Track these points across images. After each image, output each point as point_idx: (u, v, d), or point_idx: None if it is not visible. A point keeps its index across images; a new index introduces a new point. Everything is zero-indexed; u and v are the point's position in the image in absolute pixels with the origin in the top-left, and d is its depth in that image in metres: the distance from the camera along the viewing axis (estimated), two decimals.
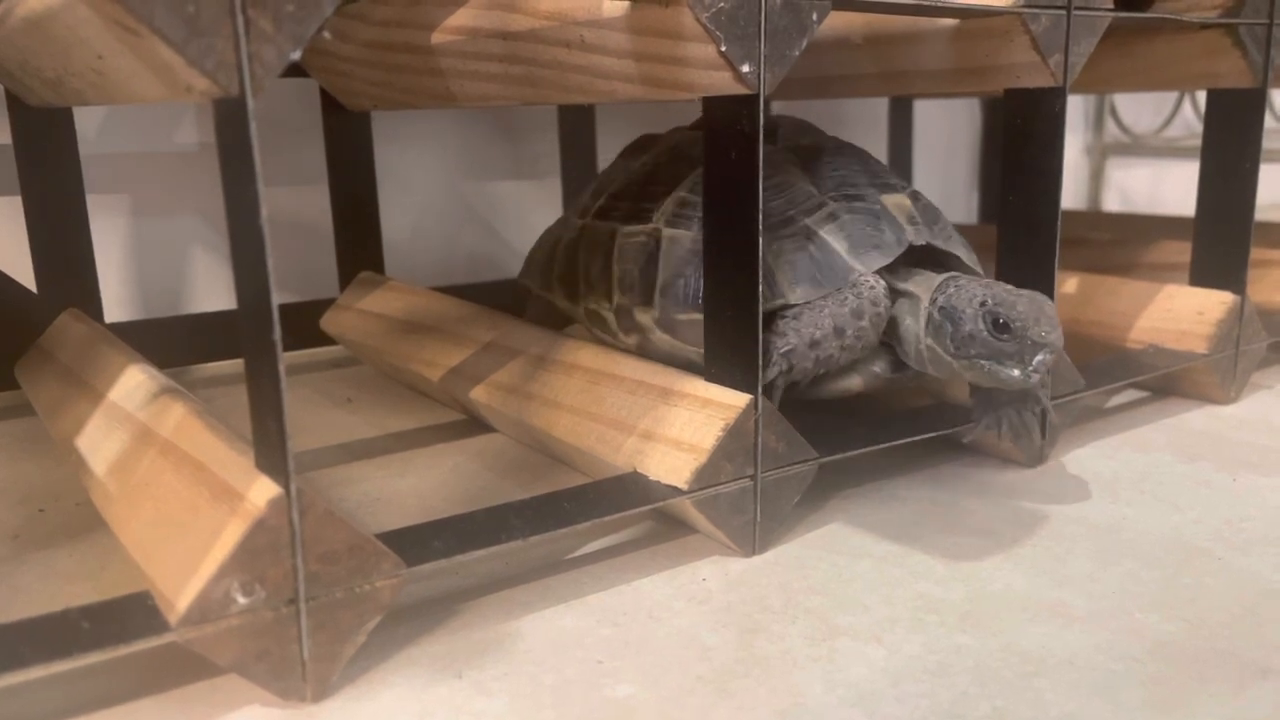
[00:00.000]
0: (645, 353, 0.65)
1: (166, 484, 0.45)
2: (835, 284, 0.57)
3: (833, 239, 0.58)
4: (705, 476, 0.50)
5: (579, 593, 0.49)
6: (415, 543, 0.44)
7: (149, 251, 0.94)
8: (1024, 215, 0.63)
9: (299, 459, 0.40)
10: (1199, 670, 0.42)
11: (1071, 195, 1.63)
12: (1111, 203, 1.68)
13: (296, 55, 0.36)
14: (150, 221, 0.94)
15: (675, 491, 0.50)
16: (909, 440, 0.59)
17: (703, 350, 0.55)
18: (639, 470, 0.52)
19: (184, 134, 0.94)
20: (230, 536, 0.38)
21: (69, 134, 0.75)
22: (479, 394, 0.67)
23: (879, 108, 1.34)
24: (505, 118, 1.11)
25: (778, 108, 1.17)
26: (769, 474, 0.52)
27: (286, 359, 0.40)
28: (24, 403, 0.74)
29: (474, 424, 0.73)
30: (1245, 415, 0.73)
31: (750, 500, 0.52)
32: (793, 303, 0.57)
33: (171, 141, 0.94)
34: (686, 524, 0.55)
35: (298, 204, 1.00)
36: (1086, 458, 0.65)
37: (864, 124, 1.34)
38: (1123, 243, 1.06)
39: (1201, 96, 1.21)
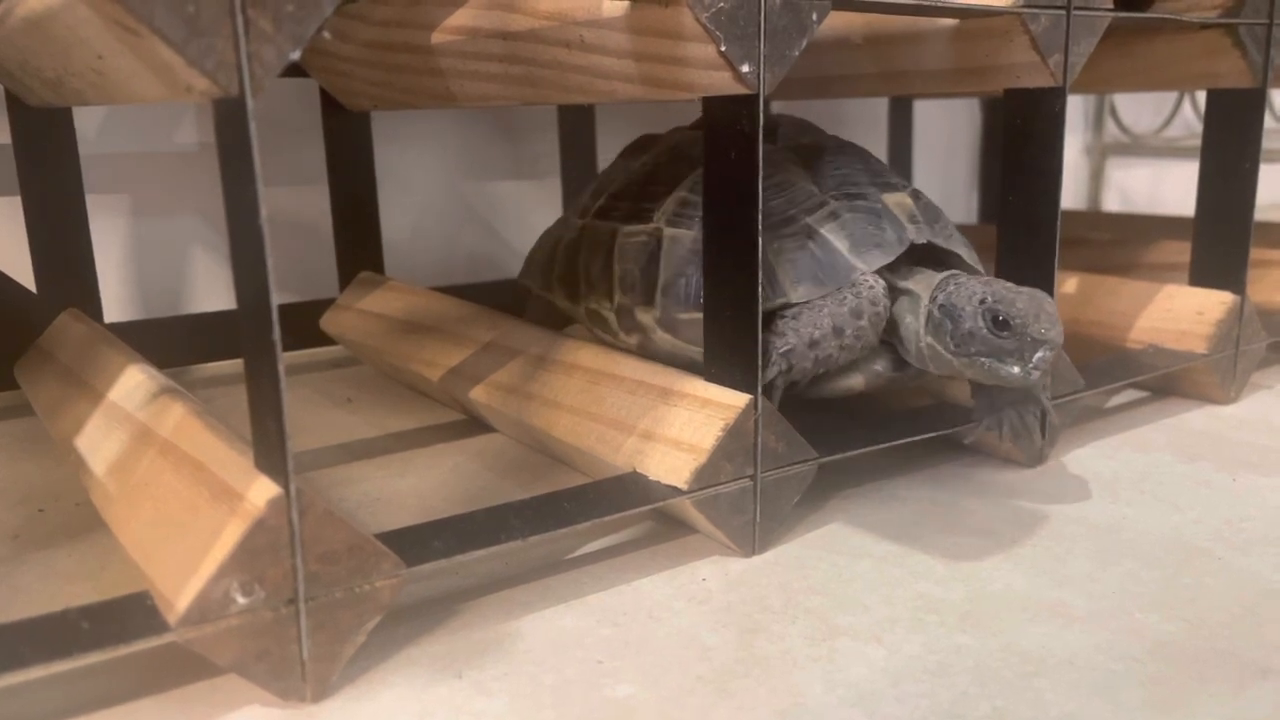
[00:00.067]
0: (647, 352, 0.65)
1: (166, 484, 0.45)
2: (837, 282, 0.57)
3: (834, 238, 0.58)
4: (705, 476, 0.50)
5: (579, 593, 0.49)
6: (415, 543, 0.44)
7: (149, 251, 0.94)
8: (1024, 215, 0.63)
9: (299, 459, 0.40)
10: (1199, 670, 0.42)
11: (1071, 195, 1.63)
12: (1111, 203, 1.68)
13: (296, 55, 0.36)
14: (150, 221, 0.94)
15: (675, 491, 0.50)
16: (909, 440, 0.59)
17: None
18: (639, 470, 0.52)
19: (184, 134, 0.94)
20: (230, 536, 0.38)
21: (69, 134, 0.75)
22: (479, 394, 0.67)
23: (879, 108, 1.34)
24: (505, 118, 1.11)
25: (777, 107, 1.17)
26: (769, 474, 0.52)
27: (286, 359, 0.40)
28: (23, 403, 0.74)
29: (474, 424, 0.73)
30: (1245, 415, 0.73)
31: (750, 500, 0.52)
32: (794, 301, 0.57)
33: (171, 141, 0.94)
34: (686, 524, 0.55)
35: (298, 204, 1.00)
36: (1086, 458, 0.65)
37: (864, 124, 1.34)
38: (1123, 243, 1.06)
39: (1201, 96, 1.21)
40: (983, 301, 0.54)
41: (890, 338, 0.59)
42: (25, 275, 0.76)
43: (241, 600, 0.38)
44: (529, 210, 1.14)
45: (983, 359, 0.54)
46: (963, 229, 0.66)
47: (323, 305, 0.90)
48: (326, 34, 0.73)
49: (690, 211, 0.63)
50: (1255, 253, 0.82)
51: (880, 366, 0.60)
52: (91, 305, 0.78)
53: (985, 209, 1.44)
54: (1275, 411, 0.74)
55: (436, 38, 0.63)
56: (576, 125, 1.07)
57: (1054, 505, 0.58)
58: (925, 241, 0.60)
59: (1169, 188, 1.74)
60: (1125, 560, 0.51)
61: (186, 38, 0.34)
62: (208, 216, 0.96)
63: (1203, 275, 0.77)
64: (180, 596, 0.38)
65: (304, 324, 0.89)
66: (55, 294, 0.76)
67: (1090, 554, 0.52)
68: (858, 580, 0.50)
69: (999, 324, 0.53)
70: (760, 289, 0.50)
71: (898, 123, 1.33)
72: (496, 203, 1.12)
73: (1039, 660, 0.42)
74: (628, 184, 0.70)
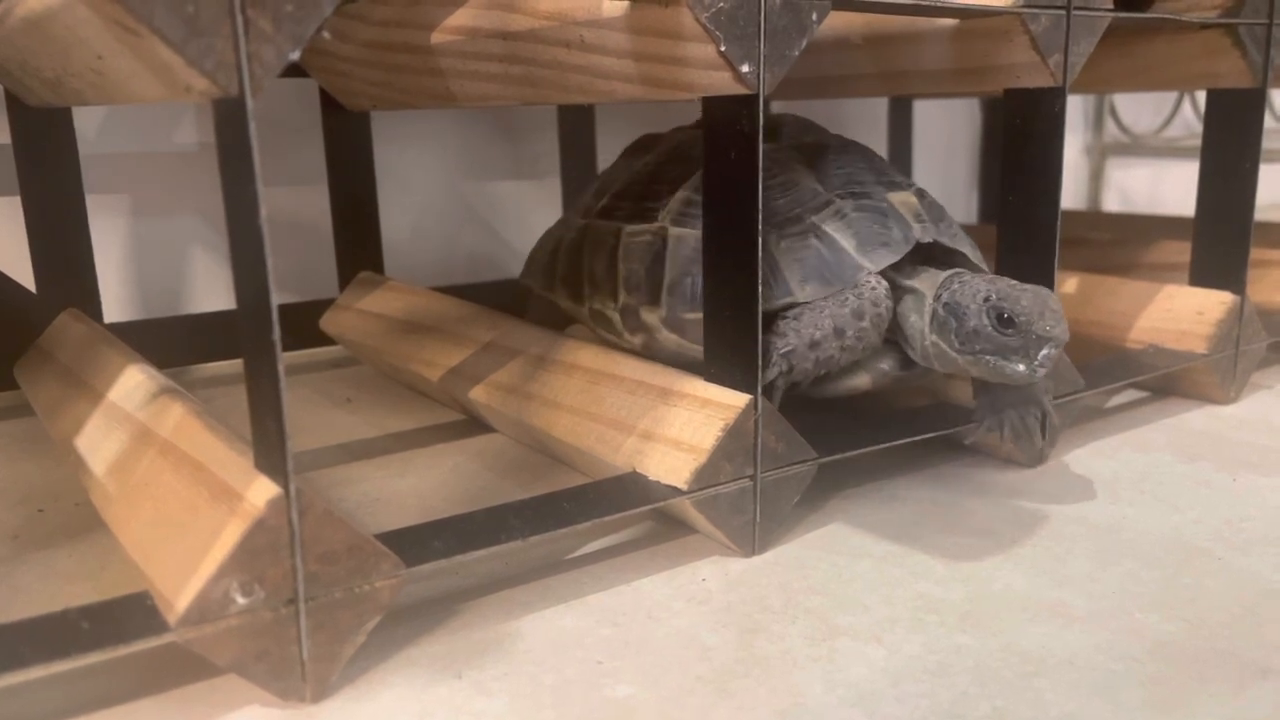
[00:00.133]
0: (651, 353, 0.65)
1: (166, 484, 0.45)
2: (844, 282, 0.57)
3: (841, 237, 0.58)
4: (705, 477, 0.50)
5: (579, 593, 0.49)
6: (415, 543, 0.44)
7: (148, 251, 0.94)
8: (1024, 215, 0.63)
9: (298, 459, 0.40)
10: (1199, 670, 0.42)
11: (1071, 195, 1.63)
12: (1111, 203, 1.68)
13: (296, 55, 0.36)
14: (150, 221, 0.94)
15: (675, 491, 0.50)
16: (909, 440, 0.59)
17: None
18: (639, 470, 0.52)
19: (184, 134, 0.94)
20: (229, 537, 0.38)
21: (68, 134, 0.75)
22: (479, 394, 0.67)
23: (879, 108, 1.34)
24: (505, 118, 1.11)
25: (777, 107, 1.17)
26: (769, 474, 0.52)
27: (286, 359, 0.40)
28: (23, 403, 0.74)
29: (474, 424, 0.73)
30: (1245, 415, 0.73)
31: (750, 500, 0.52)
32: (801, 301, 0.57)
33: (171, 141, 0.94)
34: (686, 524, 0.55)
35: (297, 204, 1.00)
36: (1086, 458, 0.65)
37: (864, 124, 1.34)
38: (1123, 243, 1.06)
39: (1201, 96, 1.21)
40: (987, 299, 0.54)
41: (895, 336, 0.59)
42: (25, 275, 0.76)
43: (241, 600, 0.38)
44: (529, 210, 1.14)
45: (988, 357, 0.54)
46: (963, 229, 0.66)
47: (322, 305, 0.90)
48: (326, 34, 0.73)
49: (695, 211, 0.63)
50: (1255, 253, 0.82)
51: (887, 365, 0.60)
52: (91, 305, 0.78)
53: (985, 209, 1.44)
54: (1275, 411, 0.74)
55: (436, 38, 0.63)
56: (576, 125, 1.07)
57: (1054, 505, 0.58)
58: (931, 240, 0.60)
59: (1169, 188, 1.74)
60: (1125, 560, 0.51)
61: (186, 38, 0.34)
62: (208, 216, 0.96)
63: (1203, 275, 0.77)
64: (180, 597, 0.38)
65: (304, 324, 0.89)
66: (55, 294, 0.76)
67: (1090, 554, 0.52)
68: (858, 580, 0.50)
69: (1004, 321, 0.53)
70: (761, 289, 0.50)
71: (898, 123, 1.33)
72: (496, 203, 1.12)
73: (1039, 660, 0.42)
74: (631, 183, 0.70)
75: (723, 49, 0.46)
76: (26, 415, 0.75)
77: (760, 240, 0.49)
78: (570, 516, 0.48)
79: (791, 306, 0.57)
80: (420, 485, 0.62)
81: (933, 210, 0.62)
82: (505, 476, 0.63)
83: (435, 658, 0.43)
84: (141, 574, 0.41)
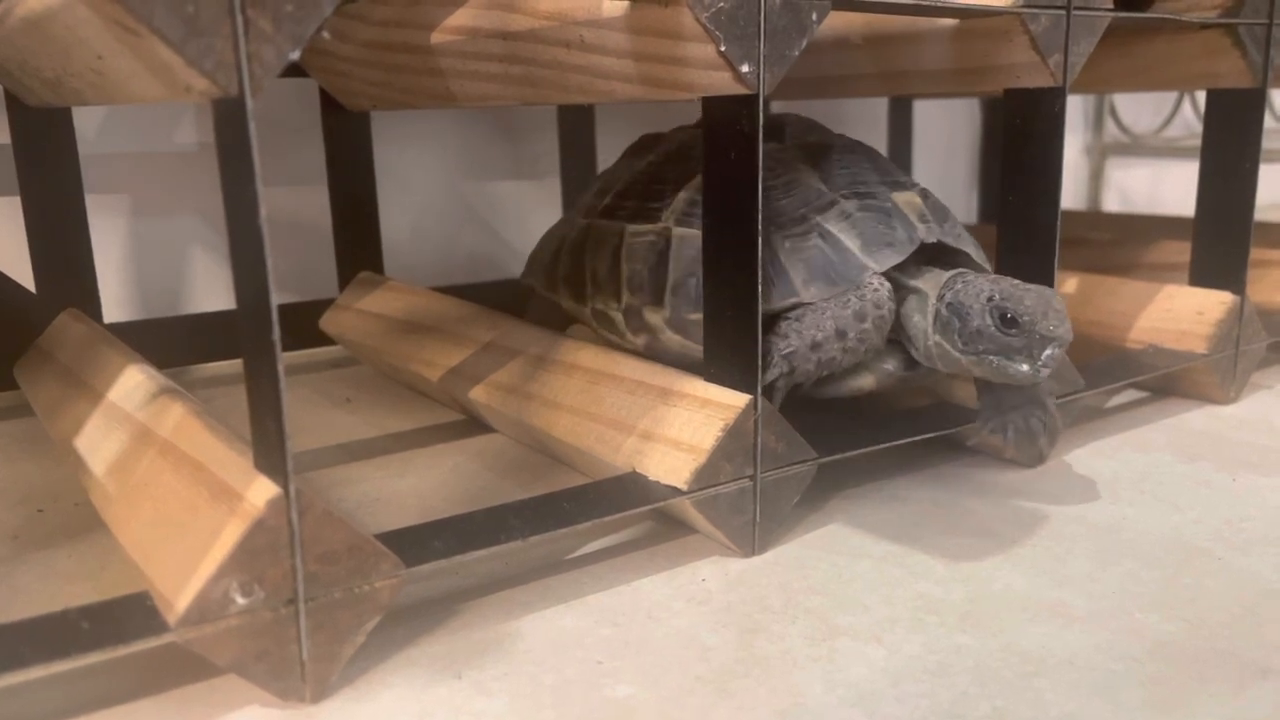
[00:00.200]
0: (654, 354, 0.65)
1: (165, 484, 0.45)
2: (849, 282, 0.57)
3: (846, 237, 0.58)
4: (705, 477, 0.50)
5: (579, 593, 0.49)
6: (415, 543, 0.44)
7: (148, 251, 0.94)
8: (1024, 215, 0.63)
9: (298, 459, 0.40)
10: (1199, 670, 0.42)
11: (1071, 195, 1.63)
12: (1111, 203, 1.68)
13: (296, 55, 0.36)
14: (150, 221, 0.94)
15: (675, 492, 0.50)
16: (910, 440, 0.59)
17: None
18: (638, 470, 0.52)
19: (183, 134, 0.94)
20: (229, 537, 0.38)
21: (68, 134, 0.75)
22: (479, 394, 0.67)
23: (879, 108, 1.34)
24: (505, 118, 1.11)
25: (777, 107, 1.17)
26: (768, 474, 0.52)
27: (286, 359, 0.40)
28: (23, 403, 0.74)
29: (474, 424, 0.73)
30: (1245, 415, 0.73)
31: (750, 500, 0.52)
32: (805, 301, 0.57)
33: (171, 141, 0.94)
34: (686, 524, 0.55)
35: (297, 204, 1.00)
36: (1086, 458, 0.65)
37: (864, 124, 1.34)
38: (1122, 243, 1.06)
39: (1201, 96, 1.21)
40: (991, 299, 0.54)
41: (899, 337, 0.59)
42: (25, 275, 0.76)
43: (241, 600, 0.38)
44: (529, 210, 1.14)
45: (991, 357, 0.54)
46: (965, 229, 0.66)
47: (322, 305, 0.90)
48: (326, 34, 0.73)
49: (699, 211, 0.63)
50: (1255, 253, 0.82)
51: (891, 366, 0.60)
52: (91, 305, 0.78)
53: (985, 209, 1.44)
54: (1275, 411, 0.74)
55: (436, 38, 0.63)
56: (576, 125, 1.07)
57: (1054, 505, 0.58)
58: (935, 240, 0.60)
59: (1169, 188, 1.74)
60: (1125, 560, 0.51)
61: (185, 38, 0.34)
62: (207, 216, 0.96)
63: (1202, 275, 0.77)
64: (180, 597, 0.38)
65: (304, 324, 0.89)
66: (55, 294, 0.76)
67: (1090, 554, 0.52)
68: (858, 580, 0.50)
69: (1007, 321, 0.53)
70: (765, 289, 0.50)
71: (898, 123, 1.33)
72: (496, 203, 1.12)
73: (1039, 660, 0.42)
74: (633, 183, 0.70)
75: (723, 49, 0.46)
76: (26, 415, 0.75)
77: (760, 240, 0.49)
78: (570, 516, 0.48)
79: (795, 307, 0.57)
80: (420, 485, 0.62)
81: (937, 210, 0.62)
82: (505, 476, 0.63)
83: (435, 658, 0.43)
84: (141, 574, 0.41)
